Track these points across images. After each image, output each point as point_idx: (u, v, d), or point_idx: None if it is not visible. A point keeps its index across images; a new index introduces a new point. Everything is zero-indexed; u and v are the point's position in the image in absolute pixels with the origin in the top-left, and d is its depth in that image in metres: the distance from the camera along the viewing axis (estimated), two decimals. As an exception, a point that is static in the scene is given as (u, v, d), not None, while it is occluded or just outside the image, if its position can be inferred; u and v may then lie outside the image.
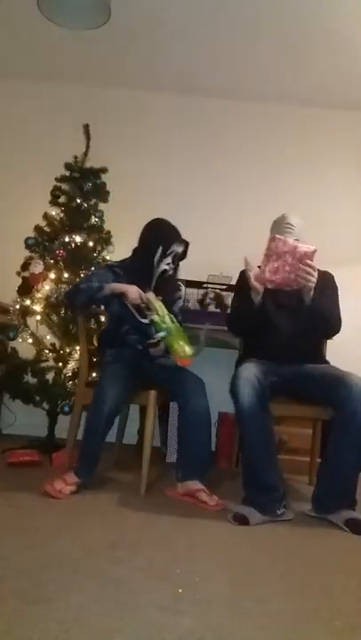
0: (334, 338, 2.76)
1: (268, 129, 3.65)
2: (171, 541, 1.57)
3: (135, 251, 2.39)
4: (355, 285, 3.45)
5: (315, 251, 1.93)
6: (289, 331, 2.10)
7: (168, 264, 2.29)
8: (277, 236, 1.96)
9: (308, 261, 1.93)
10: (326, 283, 2.16)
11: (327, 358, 2.28)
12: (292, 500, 2.04)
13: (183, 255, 2.35)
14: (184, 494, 2.06)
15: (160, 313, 2.10)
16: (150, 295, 2.14)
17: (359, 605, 1.24)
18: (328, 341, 2.79)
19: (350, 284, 3.43)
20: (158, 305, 2.12)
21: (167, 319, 2.10)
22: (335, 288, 2.21)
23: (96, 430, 2.02)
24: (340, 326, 2.16)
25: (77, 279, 2.85)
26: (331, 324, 2.15)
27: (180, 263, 2.41)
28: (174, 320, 2.13)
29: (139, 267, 2.30)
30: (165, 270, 2.30)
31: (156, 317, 2.09)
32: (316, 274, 1.96)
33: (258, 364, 2.00)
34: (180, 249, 2.31)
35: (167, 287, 2.37)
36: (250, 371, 1.94)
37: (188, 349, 2.06)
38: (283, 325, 2.11)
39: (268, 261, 1.95)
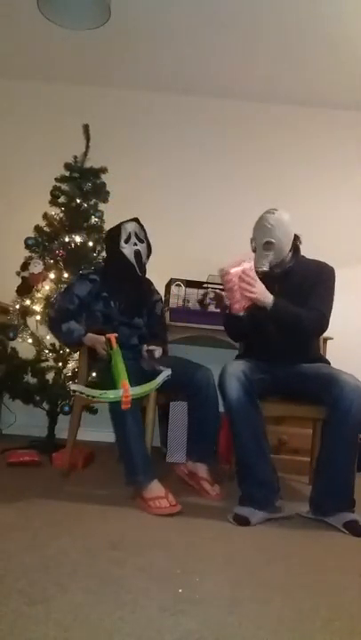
0: (336, 339, 2.77)
1: (268, 129, 3.65)
2: (171, 541, 1.57)
3: (104, 259, 2.49)
4: (355, 285, 3.46)
5: (249, 266, 1.92)
6: (277, 333, 2.06)
7: (135, 244, 2.33)
8: (222, 269, 1.96)
9: (246, 279, 1.90)
10: (320, 277, 2.11)
11: (328, 359, 2.27)
12: (293, 500, 2.04)
13: (143, 231, 2.38)
14: (189, 475, 2.19)
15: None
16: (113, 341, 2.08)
17: (359, 605, 1.24)
18: (329, 342, 2.79)
19: (350, 284, 3.45)
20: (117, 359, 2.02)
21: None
22: (326, 280, 2.12)
23: (126, 430, 1.95)
24: (326, 323, 2.06)
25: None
26: (305, 326, 2.03)
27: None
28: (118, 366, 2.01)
29: (114, 263, 2.36)
30: (138, 251, 2.33)
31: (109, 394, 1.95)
32: (255, 286, 1.90)
33: (245, 362, 2.01)
34: (133, 227, 2.35)
35: (144, 290, 2.44)
36: (236, 367, 1.95)
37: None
38: (271, 328, 2.08)
39: (230, 294, 1.95)
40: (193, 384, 2.21)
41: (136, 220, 2.38)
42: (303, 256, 2.21)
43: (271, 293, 2.00)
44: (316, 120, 3.64)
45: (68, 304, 2.31)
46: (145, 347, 2.24)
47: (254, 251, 2.12)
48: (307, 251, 2.25)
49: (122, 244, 2.33)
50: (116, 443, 2.02)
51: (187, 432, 2.35)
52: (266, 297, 1.93)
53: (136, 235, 2.34)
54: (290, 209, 2.11)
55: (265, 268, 2.05)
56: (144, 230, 2.39)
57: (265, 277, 2.03)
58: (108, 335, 2.08)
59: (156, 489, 1.90)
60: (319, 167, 3.62)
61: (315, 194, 3.58)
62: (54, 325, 2.34)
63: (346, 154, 3.63)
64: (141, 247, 2.35)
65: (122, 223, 2.37)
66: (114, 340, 2.05)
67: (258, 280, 1.93)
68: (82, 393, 1.93)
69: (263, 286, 1.94)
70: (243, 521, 1.79)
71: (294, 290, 2.06)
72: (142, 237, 2.37)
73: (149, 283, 2.51)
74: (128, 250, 2.33)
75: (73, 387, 1.99)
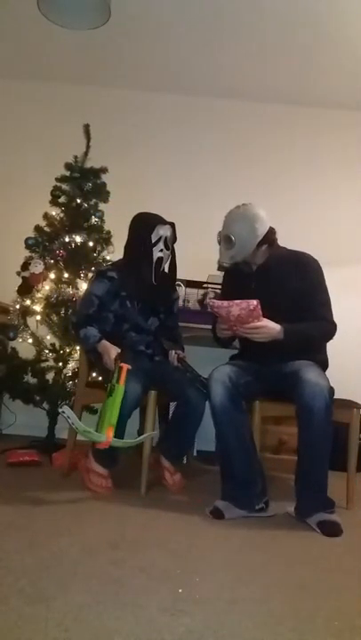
0: (335, 339, 2.75)
1: (268, 129, 3.65)
2: (171, 541, 1.57)
3: (125, 249, 2.35)
4: (355, 285, 3.46)
5: (250, 307, 1.85)
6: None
7: (161, 250, 2.27)
8: (210, 302, 1.95)
9: (249, 323, 1.87)
10: (307, 276, 2.05)
11: (328, 359, 2.25)
12: (291, 500, 2.03)
13: (173, 238, 2.33)
14: (155, 463, 2.21)
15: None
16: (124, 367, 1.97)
17: (359, 605, 1.24)
18: (328, 344, 2.78)
19: (351, 284, 3.45)
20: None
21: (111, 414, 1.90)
22: (318, 280, 2.06)
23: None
24: (334, 329, 2.04)
25: (77, 279, 2.85)
26: (317, 342, 2.05)
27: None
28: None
29: (134, 263, 2.28)
30: (160, 258, 2.27)
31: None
32: (263, 330, 1.88)
33: (233, 365, 2.01)
34: (167, 232, 2.28)
35: (161, 293, 2.35)
36: (222, 371, 1.96)
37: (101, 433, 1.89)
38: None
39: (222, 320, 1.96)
40: (184, 396, 2.17)
41: (172, 225, 2.31)
42: (283, 247, 2.15)
43: (248, 291, 1.98)
44: (316, 120, 3.64)
45: (89, 308, 2.23)
46: (173, 353, 2.27)
47: (219, 243, 2.13)
48: (307, 251, 2.24)
49: (149, 246, 2.25)
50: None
51: (165, 427, 2.35)
52: (275, 332, 1.90)
53: (165, 241, 2.28)
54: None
55: (226, 264, 2.06)
56: (175, 238, 2.33)
57: (242, 277, 2.04)
58: (122, 365, 1.96)
59: (104, 471, 2.05)
60: (319, 167, 3.62)
61: (315, 193, 3.58)
62: (75, 331, 2.28)
63: (346, 154, 3.62)
64: (165, 255, 2.29)
65: (157, 223, 2.27)
66: (124, 375, 1.93)
67: (265, 321, 1.89)
68: (69, 418, 1.88)
69: (269, 322, 1.90)
70: (217, 513, 1.84)
71: (274, 285, 2.03)
72: (170, 245, 2.31)
73: (170, 285, 2.43)
74: (154, 255, 2.26)
75: (65, 409, 1.86)
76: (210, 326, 2.75)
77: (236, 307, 1.87)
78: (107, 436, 1.86)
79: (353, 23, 2.80)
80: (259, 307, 1.86)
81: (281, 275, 2.06)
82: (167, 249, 2.30)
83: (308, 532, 1.76)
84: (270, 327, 1.90)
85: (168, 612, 1.10)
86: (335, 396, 1.86)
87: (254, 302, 1.85)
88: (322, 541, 1.70)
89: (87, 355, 2.32)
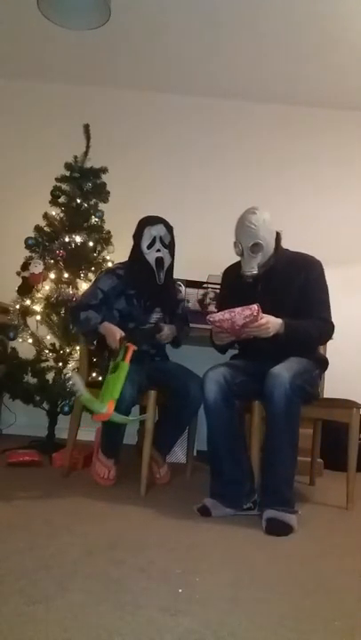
0: (335, 338, 2.75)
1: (268, 129, 3.65)
2: (171, 541, 1.57)
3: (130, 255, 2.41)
4: (355, 285, 3.46)
5: (253, 313, 1.84)
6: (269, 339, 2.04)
7: (158, 250, 2.26)
8: (209, 318, 1.93)
9: (251, 326, 1.87)
10: (311, 278, 2.05)
11: (328, 359, 2.24)
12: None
13: (171, 238, 2.32)
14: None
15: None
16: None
17: (359, 605, 1.24)
18: (329, 342, 2.78)
19: (351, 284, 3.45)
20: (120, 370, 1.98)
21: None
22: (320, 281, 2.07)
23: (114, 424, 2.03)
24: (332, 329, 2.06)
25: (77, 279, 2.85)
26: (315, 340, 2.06)
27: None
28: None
29: (135, 264, 2.31)
30: (160, 258, 2.25)
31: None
32: (267, 326, 1.87)
33: (229, 365, 2.02)
34: (160, 231, 2.26)
35: (165, 296, 2.36)
36: (217, 370, 1.97)
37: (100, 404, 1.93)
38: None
39: (224, 332, 1.97)
40: (185, 389, 2.18)
41: (164, 222, 2.29)
42: (286, 249, 2.16)
43: (255, 293, 2.00)
44: (316, 120, 3.64)
45: (91, 299, 2.25)
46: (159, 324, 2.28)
47: (240, 254, 2.09)
48: (307, 251, 2.24)
49: (144, 249, 2.25)
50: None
51: (161, 423, 2.30)
52: (278, 325, 1.91)
53: (161, 239, 2.26)
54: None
55: (254, 272, 2.04)
56: (171, 234, 2.31)
57: (247, 278, 2.03)
58: (128, 344, 2.03)
59: (109, 462, 2.18)
60: (319, 167, 3.62)
61: (314, 194, 3.58)
62: (73, 313, 2.31)
63: (346, 154, 3.62)
64: (165, 254, 2.27)
65: (147, 224, 2.27)
66: (130, 355, 1.99)
67: (265, 316, 1.89)
68: (74, 385, 1.96)
69: (272, 318, 1.90)
70: (204, 511, 1.86)
71: (279, 287, 2.03)
72: (167, 242, 2.29)
73: (173, 286, 2.47)
74: (150, 256, 2.25)
75: (73, 374, 1.99)
76: (210, 326, 2.75)
77: (239, 315, 1.87)
78: (107, 408, 1.88)
79: (353, 23, 2.80)
80: (260, 310, 1.86)
81: (286, 275, 2.07)
82: (165, 247, 2.28)
83: (307, 533, 1.76)
84: (273, 321, 1.91)
85: (168, 612, 1.10)
86: (334, 396, 1.86)
87: (255, 307, 1.85)
88: (322, 541, 1.70)
89: (85, 337, 2.34)
